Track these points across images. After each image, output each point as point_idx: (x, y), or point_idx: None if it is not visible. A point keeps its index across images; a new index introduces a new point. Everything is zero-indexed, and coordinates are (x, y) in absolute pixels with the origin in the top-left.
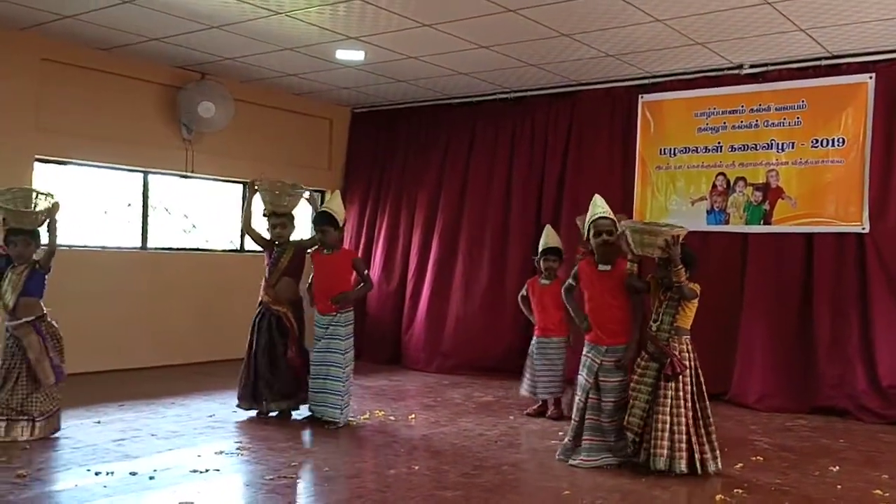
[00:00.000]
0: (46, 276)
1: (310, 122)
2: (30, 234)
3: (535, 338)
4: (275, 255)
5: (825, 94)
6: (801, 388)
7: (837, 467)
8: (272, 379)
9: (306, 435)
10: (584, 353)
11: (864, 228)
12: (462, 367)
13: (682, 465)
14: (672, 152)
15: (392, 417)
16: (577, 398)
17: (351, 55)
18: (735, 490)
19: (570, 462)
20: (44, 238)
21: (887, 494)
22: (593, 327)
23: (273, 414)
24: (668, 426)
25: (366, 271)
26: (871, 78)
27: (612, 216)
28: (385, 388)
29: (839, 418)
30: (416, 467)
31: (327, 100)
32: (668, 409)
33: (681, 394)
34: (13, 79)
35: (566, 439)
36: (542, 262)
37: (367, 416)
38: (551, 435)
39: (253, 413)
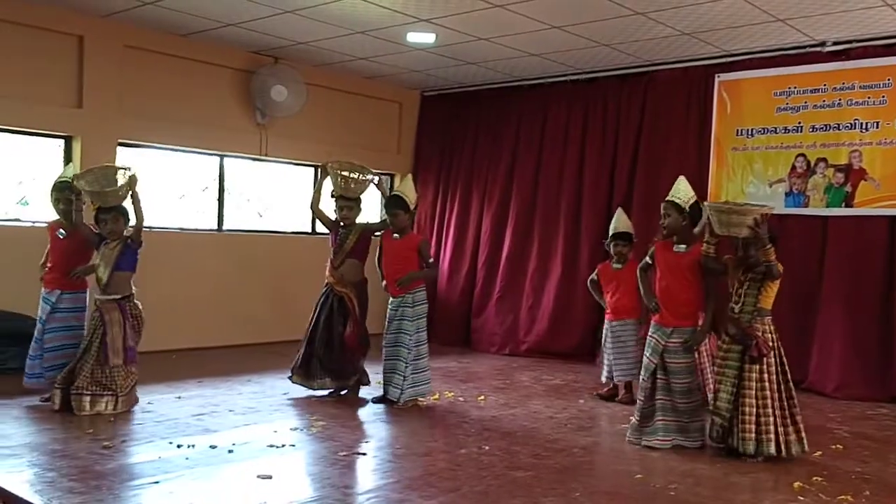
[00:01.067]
0: (139, 251)
1: (380, 105)
2: (117, 210)
3: (606, 322)
4: (340, 237)
5: None
6: (881, 377)
7: None
8: (325, 357)
9: (376, 413)
10: (649, 333)
11: None
12: (534, 351)
13: (771, 448)
14: (749, 133)
15: (461, 398)
16: (641, 378)
17: (422, 38)
18: (814, 478)
19: (644, 442)
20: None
21: None
22: (661, 308)
23: (322, 392)
24: (755, 409)
25: (430, 256)
26: None
27: (678, 199)
28: (454, 370)
29: None
30: (487, 447)
31: (397, 83)
32: (755, 391)
33: (766, 375)
34: (99, 65)
35: (633, 419)
36: (612, 247)
37: (436, 396)
38: (622, 419)
39: (312, 392)
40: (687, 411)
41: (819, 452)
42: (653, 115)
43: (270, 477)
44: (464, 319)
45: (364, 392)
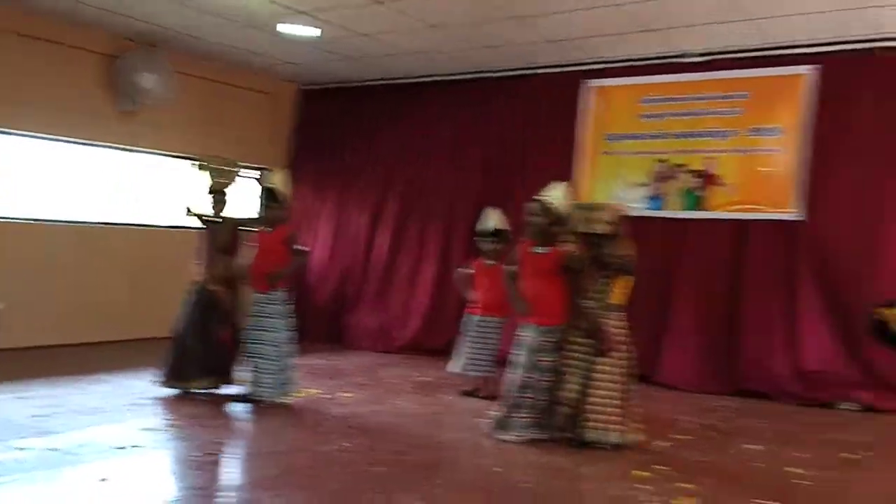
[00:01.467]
0: None
1: (254, 97)
2: None
3: (469, 316)
4: (211, 233)
5: (766, 85)
6: (728, 371)
7: (757, 446)
8: (201, 356)
9: (237, 413)
10: (521, 332)
11: (797, 216)
12: (407, 348)
13: (615, 437)
14: (616, 138)
15: (327, 396)
16: (513, 375)
17: (297, 30)
18: (658, 466)
19: (504, 437)
20: None
21: (800, 471)
22: (529, 308)
23: (198, 391)
24: (602, 400)
25: (297, 245)
26: (810, 70)
27: (548, 200)
28: (322, 368)
29: (762, 400)
30: (348, 445)
31: (273, 75)
32: (602, 383)
33: (615, 369)
34: None
35: (499, 414)
36: (485, 244)
37: (302, 394)
38: (484, 414)
39: (176, 391)
40: (546, 407)
41: (667, 443)
42: (527, 118)
43: (110, 480)
44: (336, 317)
45: (229, 391)
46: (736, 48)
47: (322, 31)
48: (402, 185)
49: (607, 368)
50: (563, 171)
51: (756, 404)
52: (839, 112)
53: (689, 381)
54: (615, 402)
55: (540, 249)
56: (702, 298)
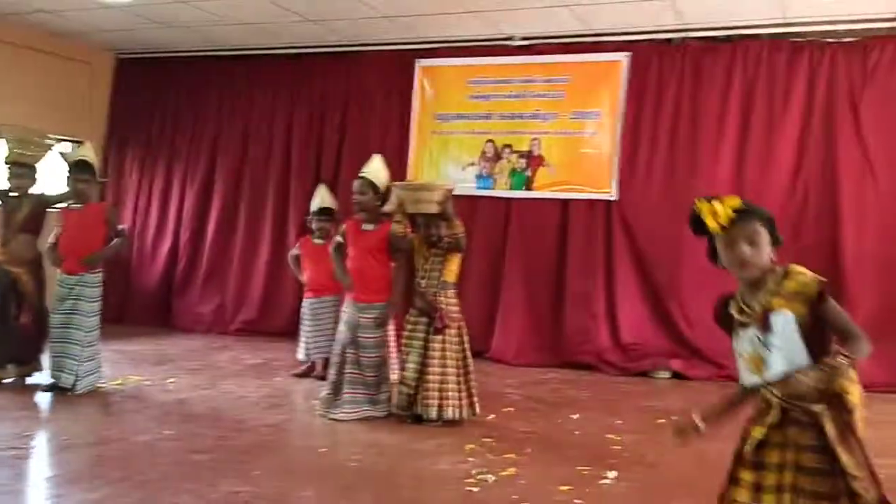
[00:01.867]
0: None
1: (70, 65)
2: None
3: (305, 299)
4: (9, 209)
5: (586, 70)
6: (553, 345)
7: (579, 415)
8: (2, 343)
9: (45, 403)
10: (343, 308)
11: (612, 196)
12: (244, 331)
13: (450, 413)
14: (446, 118)
15: (148, 383)
16: (334, 353)
17: None
18: (485, 439)
19: (331, 415)
20: None
21: (618, 437)
22: (354, 284)
23: (5, 381)
24: (437, 377)
25: (120, 225)
26: (625, 57)
27: (371, 177)
28: (146, 353)
29: (586, 371)
30: (169, 432)
31: (88, 43)
32: (437, 360)
33: (448, 345)
34: None
35: (324, 392)
36: (314, 222)
37: (119, 381)
38: (316, 395)
39: None
40: (374, 384)
41: (493, 416)
42: (359, 96)
43: None
44: (164, 300)
45: (36, 379)
46: (558, 34)
47: None
48: (233, 162)
49: (443, 346)
50: (396, 149)
51: (581, 375)
52: (648, 98)
53: (519, 356)
54: (451, 378)
55: (367, 226)
56: (530, 275)
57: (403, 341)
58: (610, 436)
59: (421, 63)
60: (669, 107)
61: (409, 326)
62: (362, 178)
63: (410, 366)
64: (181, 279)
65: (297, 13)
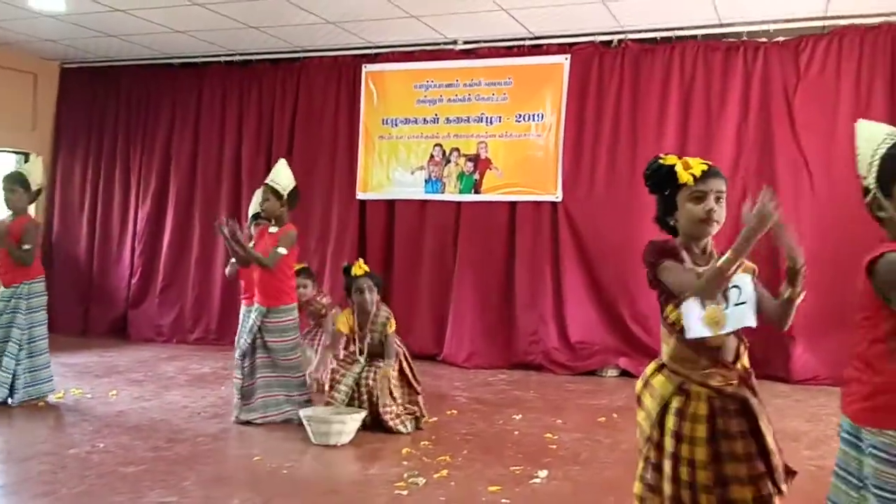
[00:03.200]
0: None
1: (13, 76)
2: None
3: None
4: None
5: (528, 73)
6: (504, 346)
7: (521, 415)
8: None
9: None
10: (248, 314)
11: (557, 197)
12: (204, 340)
13: (410, 426)
14: (394, 123)
15: (89, 395)
16: (236, 360)
17: (48, 4)
18: (423, 442)
19: (246, 418)
20: None
21: (556, 437)
22: (256, 289)
23: None
24: (389, 401)
25: (33, 242)
26: (566, 59)
27: (273, 184)
28: (93, 365)
29: (535, 371)
30: (102, 445)
31: (31, 52)
32: (385, 382)
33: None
34: None
35: (235, 399)
36: (252, 228)
37: (61, 395)
38: None
39: None
40: (296, 384)
41: (435, 419)
42: (306, 102)
43: None
44: (123, 312)
45: None
46: (500, 37)
47: (67, 5)
48: (185, 171)
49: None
50: (345, 155)
51: (530, 376)
52: (589, 99)
53: (470, 358)
54: (396, 384)
55: (272, 229)
56: (480, 278)
57: (340, 362)
58: (548, 435)
59: (367, 68)
60: (610, 108)
61: (343, 364)
62: (264, 185)
63: (343, 388)
64: (139, 291)
65: (239, 20)
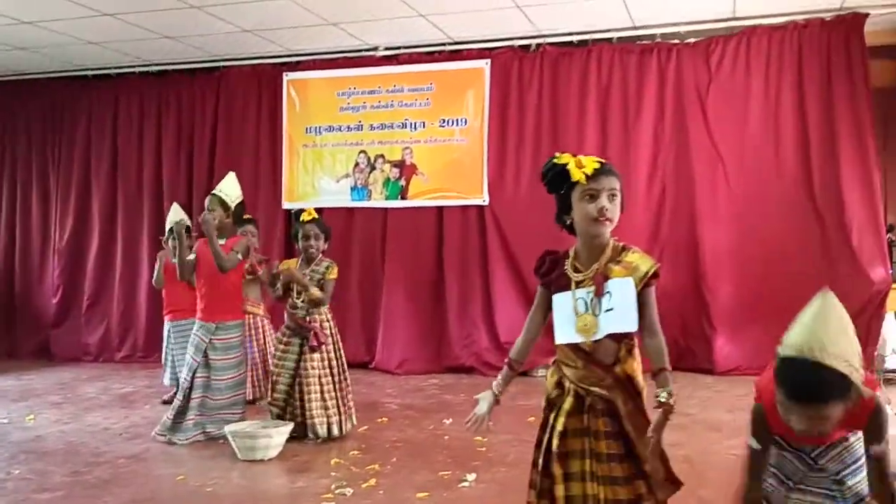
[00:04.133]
0: None
1: None
2: None
3: (167, 322)
4: None
5: (450, 78)
6: (436, 351)
7: (451, 420)
8: None
9: None
10: (194, 331)
11: (484, 201)
12: (132, 357)
13: (334, 430)
14: (318, 131)
15: (6, 420)
16: (182, 377)
17: None
18: (352, 452)
19: (173, 440)
20: None
21: (485, 440)
22: (203, 304)
23: None
24: (319, 395)
25: None
26: (486, 64)
27: (221, 194)
28: (9, 389)
29: (466, 375)
30: (17, 471)
31: None
32: (317, 378)
33: (325, 363)
34: None
35: (166, 416)
36: (169, 242)
37: None
38: None
39: None
40: (227, 405)
41: (366, 427)
42: (227, 112)
43: None
44: (46, 332)
45: None
46: (420, 43)
47: None
48: (107, 185)
49: (318, 364)
50: (269, 165)
51: (461, 379)
52: (511, 103)
53: (403, 365)
54: (329, 395)
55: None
56: (410, 284)
57: (274, 361)
58: (478, 438)
59: (289, 76)
60: (531, 111)
61: (281, 346)
62: (212, 195)
63: (281, 387)
64: (62, 310)
65: (152, 30)
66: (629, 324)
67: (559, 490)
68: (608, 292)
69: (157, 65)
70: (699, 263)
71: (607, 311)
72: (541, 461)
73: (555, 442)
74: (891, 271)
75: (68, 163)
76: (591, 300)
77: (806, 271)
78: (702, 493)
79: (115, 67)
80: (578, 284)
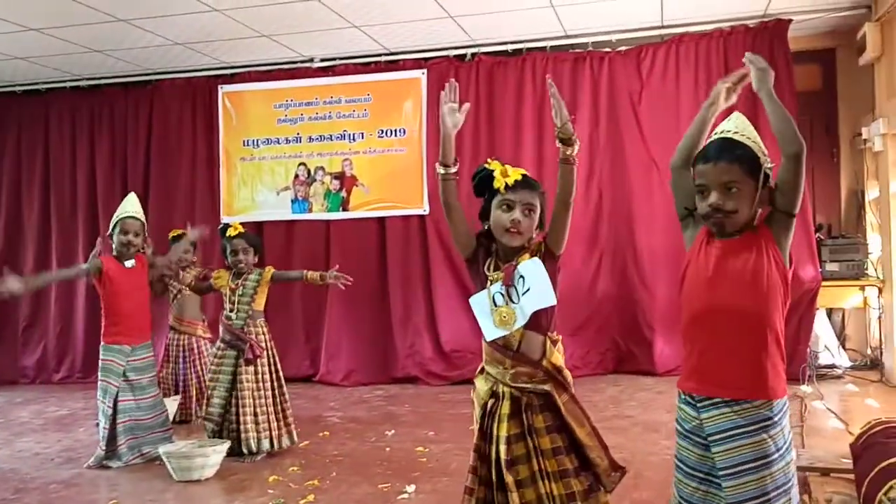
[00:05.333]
0: None
1: None
2: None
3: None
4: None
5: (387, 88)
6: (380, 362)
7: (394, 431)
8: None
9: None
10: (106, 356)
11: (425, 210)
12: (69, 378)
13: (268, 444)
14: (255, 143)
15: None
16: (103, 405)
17: None
18: (291, 468)
19: (110, 465)
20: None
21: (427, 450)
22: (121, 326)
23: None
24: (254, 409)
25: None
26: (423, 74)
27: (141, 217)
28: None
29: (411, 385)
30: None
31: None
32: (251, 392)
33: (260, 375)
34: None
35: (99, 448)
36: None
37: None
38: None
39: None
40: (158, 424)
41: (307, 442)
42: (161, 125)
43: None
44: None
45: None
46: (356, 54)
47: None
48: (39, 202)
49: (255, 376)
50: (206, 179)
51: (406, 389)
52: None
53: (348, 377)
54: (265, 409)
55: (128, 263)
56: (354, 295)
57: (209, 375)
58: (419, 448)
59: (224, 89)
60: (469, 120)
61: (216, 360)
62: (136, 220)
63: (216, 401)
64: None
65: (81, 45)
66: (548, 298)
67: (515, 498)
68: (521, 276)
69: (88, 79)
70: (637, 267)
71: (524, 293)
72: (484, 471)
73: (502, 449)
74: (820, 270)
75: (3, 177)
76: (505, 291)
77: None
78: (637, 495)
79: (45, 82)
80: (493, 281)
